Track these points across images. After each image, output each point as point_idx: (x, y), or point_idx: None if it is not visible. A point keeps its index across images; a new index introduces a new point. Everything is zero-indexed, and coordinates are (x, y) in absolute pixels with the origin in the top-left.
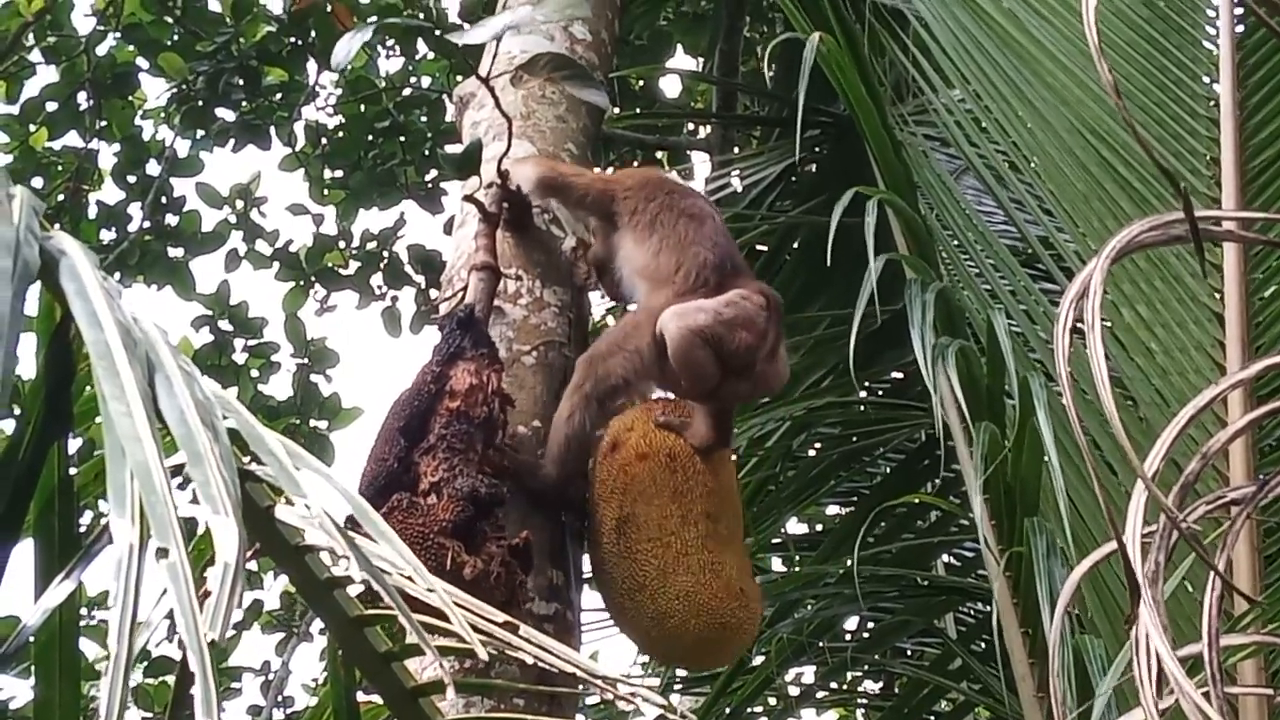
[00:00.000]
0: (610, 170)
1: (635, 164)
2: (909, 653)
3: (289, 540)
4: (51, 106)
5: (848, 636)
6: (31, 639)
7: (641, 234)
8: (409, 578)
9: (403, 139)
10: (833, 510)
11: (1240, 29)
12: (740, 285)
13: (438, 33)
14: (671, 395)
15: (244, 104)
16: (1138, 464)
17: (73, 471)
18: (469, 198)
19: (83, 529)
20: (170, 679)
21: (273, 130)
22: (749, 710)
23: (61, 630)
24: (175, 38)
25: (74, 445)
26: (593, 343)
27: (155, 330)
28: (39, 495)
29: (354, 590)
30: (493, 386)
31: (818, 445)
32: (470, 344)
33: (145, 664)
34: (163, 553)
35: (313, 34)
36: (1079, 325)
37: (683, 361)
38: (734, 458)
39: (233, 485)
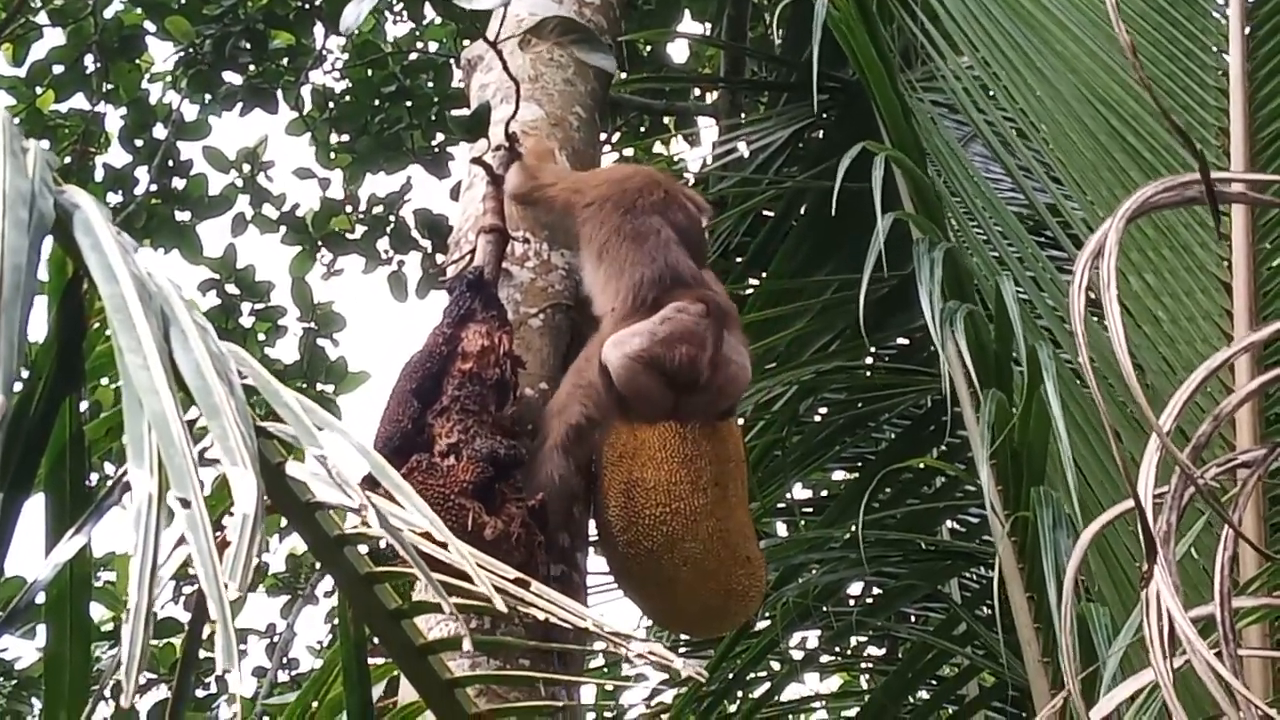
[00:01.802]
0: (589, 170)
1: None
2: (913, 618)
3: (300, 497)
4: (58, 69)
5: (852, 601)
6: (42, 595)
7: (594, 263)
8: (425, 535)
9: (409, 103)
10: (838, 475)
11: None
12: (680, 296)
13: None
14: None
15: (251, 68)
16: (1153, 419)
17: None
18: (477, 160)
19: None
20: (176, 640)
21: (280, 94)
22: (753, 674)
23: (73, 586)
24: (182, 1)
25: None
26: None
27: (169, 284)
28: (50, 450)
29: (364, 547)
30: (504, 348)
31: (824, 410)
32: (480, 306)
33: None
34: (182, 504)
35: None
36: (1089, 291)
37: (630, 390)
38: (740, 423)
39: (250, 437)
